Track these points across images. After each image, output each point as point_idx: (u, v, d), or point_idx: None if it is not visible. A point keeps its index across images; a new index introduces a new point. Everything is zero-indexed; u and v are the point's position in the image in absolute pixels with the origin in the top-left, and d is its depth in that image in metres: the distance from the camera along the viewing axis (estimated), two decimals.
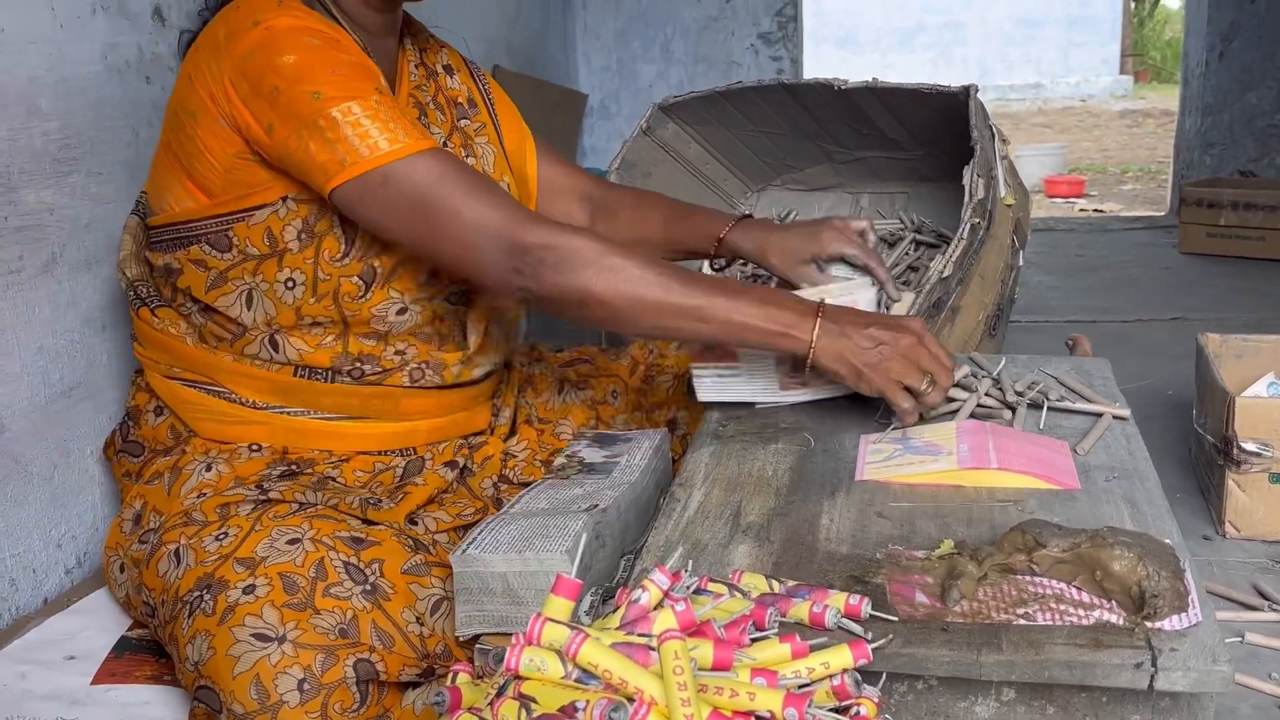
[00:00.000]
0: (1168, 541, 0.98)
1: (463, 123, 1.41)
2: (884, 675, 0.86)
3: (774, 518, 1.10)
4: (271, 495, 1.20)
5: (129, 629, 1.33)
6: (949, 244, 1.82)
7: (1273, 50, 4.13)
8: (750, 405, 1.35)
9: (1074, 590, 0.93)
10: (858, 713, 0.80)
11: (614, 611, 0.84)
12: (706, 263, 1.53)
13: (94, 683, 1.22)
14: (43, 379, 1.47)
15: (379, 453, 1.33)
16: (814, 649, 0.81)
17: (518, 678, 0.75)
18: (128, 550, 1.25)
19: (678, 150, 2.39)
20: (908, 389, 1.19)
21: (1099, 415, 1.29)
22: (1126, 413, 1.30)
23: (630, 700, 0.71)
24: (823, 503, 1.13)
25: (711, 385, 1.32)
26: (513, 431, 1.48)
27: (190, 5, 1.74)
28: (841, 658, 0.80)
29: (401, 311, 1.30)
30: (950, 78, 2.07)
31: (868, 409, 1.37)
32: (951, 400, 1.32)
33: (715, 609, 0.85)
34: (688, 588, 0.89)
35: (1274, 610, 1.32)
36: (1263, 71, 4.16)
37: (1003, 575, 0.95)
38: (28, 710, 1.16)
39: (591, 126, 4.33)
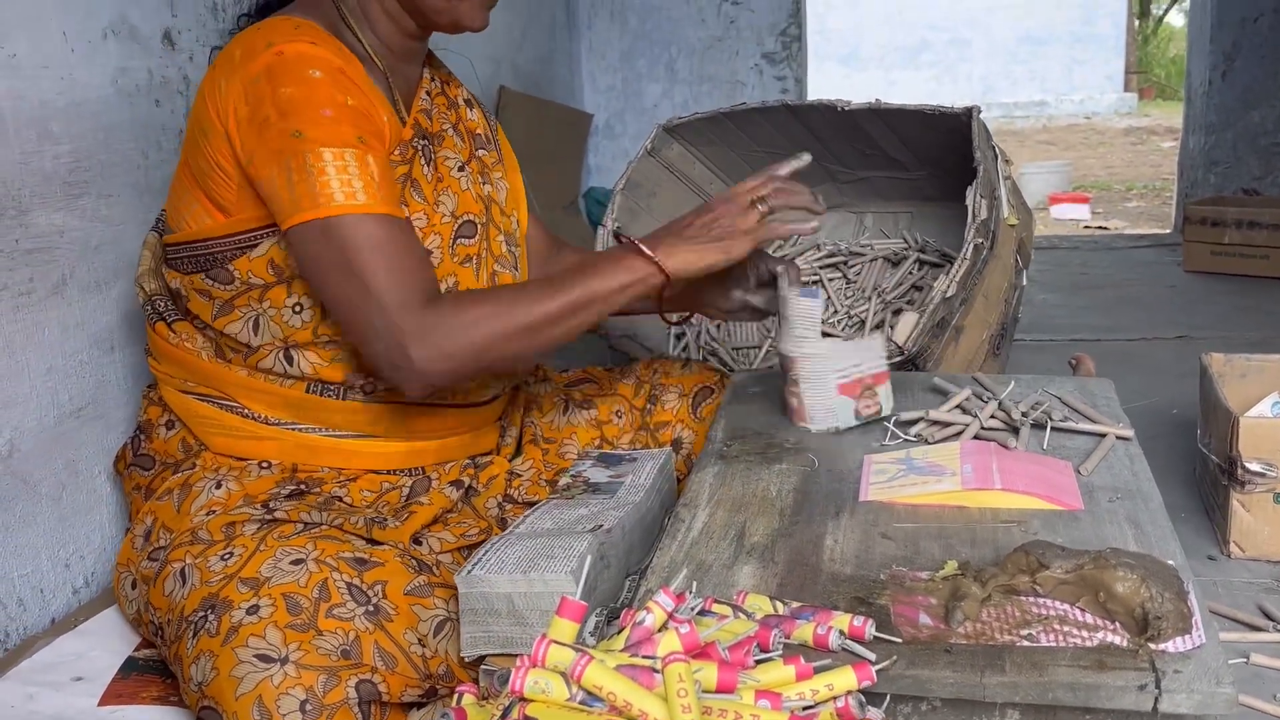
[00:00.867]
0: (1171, 563, 0.98)
1: (481, 152, 1.43)
2: (888, 697, 0.86)
3: (778, 538, 1.10)
4: (277, 515, 1.20)
5: (136, 649, 1.33)
6: (953, 264, 1.82)
7: (1276, 69, 4.13)
8: (759, 428, 1.35)
9: (1077, 612, 0.93)
10: None
11: (619, 633, 0.84)
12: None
13: (101, 704, 1.22)
14: (52, 400, 1.48)
15: (387, 472, 1.33)
16: (818, 671, 0.81)
17: (523, 700, 0.75)
18: (138, 566, 1.25)
19: (682, 170, 2.40)
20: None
21: (1102, 436, 1.29)
22: (1130, 433, 1.30)
23: None
24: (827, 523, 1.13)
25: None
26: (518, 451, 1.48)
27: (200, 30, 1.76)
28: (845, 679, 0.81)
29: None
30: (955, 95, 2.08)
31: (873, 429, 1.37)
32: (945, 423, 1.32)
33: (719, 630, 0.85)
34: (692, 609, 0.89)
35: (1279, 631, 1.32)
36: (1266, 90, 4.17)
37: (1006, 596, 0.95)
38: None
39: (596, 146, 4.34)
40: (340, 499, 1.29)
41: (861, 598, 0.98)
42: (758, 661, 0.83)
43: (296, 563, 1.12)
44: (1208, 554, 1.55)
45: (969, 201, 1.82)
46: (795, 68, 4.23)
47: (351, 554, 1.15)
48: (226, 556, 1.15)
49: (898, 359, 1.74)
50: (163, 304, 1.36)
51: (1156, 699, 0.83)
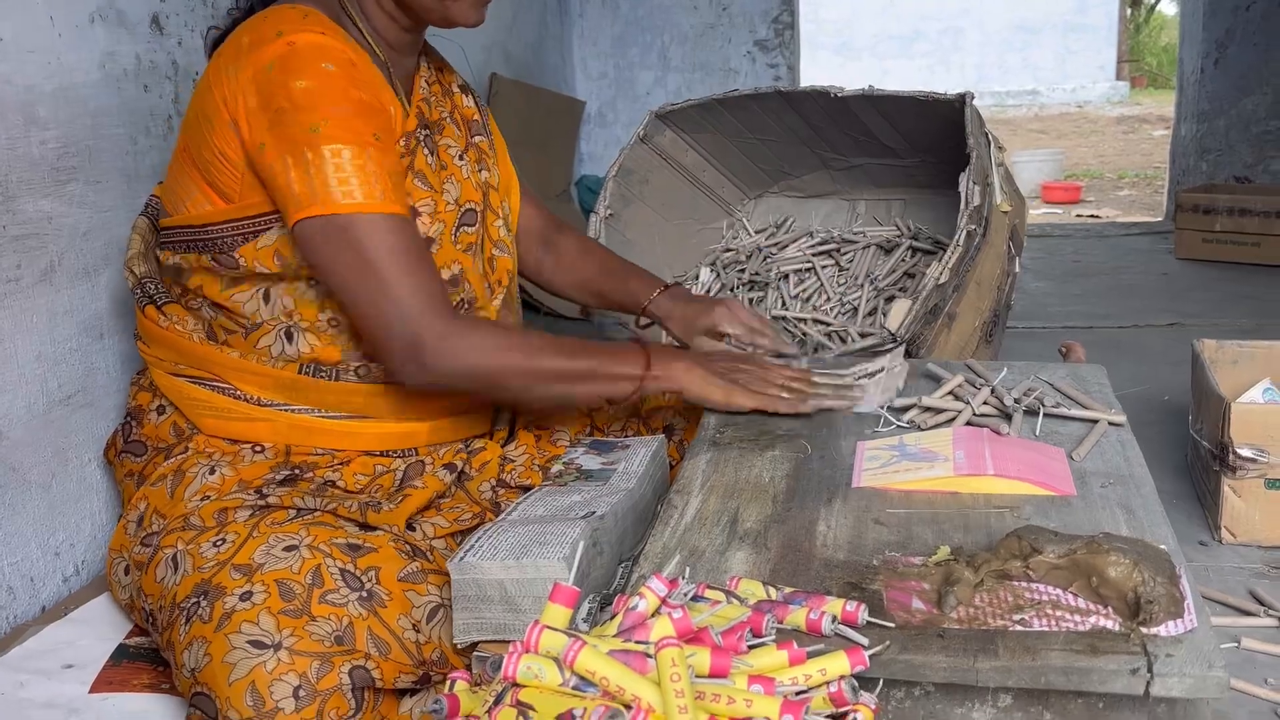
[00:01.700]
0: (1163, 547, 0.98)
1: (477, 139, 1.44)
2: (881, 682, 0.86)
3: (771, 524, 1.10)
4: (270, 501, 1.20)
5: (127, 637, 1.33)
6: (945, 251, 1.82)
7: (1268, 56, 4.14)
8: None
9: (1070, 596, 0.94)
10: None
11: (611, 619, 0.84)
12: (632, 321, 1.70)
13: (92, 691, 1.22)
14: (41, 387, 1.47)
15: (380, 454, 1.33)
16: (811, 656, 0.81)
17: (515, 685, 0.75)
18: (131, 552, 1.25)
19: (675, 158, 2.39)
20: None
21: (1095, 421, 1.29)
22: (1122, 419, 1.30)
23: (628, 708, 0.71)
24: (820, 509, 1.13)
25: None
26: (511, 436, 1.48)
27: (188, 15, 1.74)
28: (838, 664, 0.81)
29: None
30: (947, 84, 2.08)
31: (865, 416, 1.37)
32: (937, 409, 1.32)
33: (712, 616, 0.85)
34: (685, 595, 0.89)
35: (1270, 615, 1.32)
36: (1258, 77, 4.17)
37: (999, 581, 0.95)
38: (27, 719, 1.16)
39: (589, 134, 4.33)
40: (334, 484, 1.29)
41: (854, 583, 0.98)
42: (750, 647, 0.82)
43: (289, 549, 1.12)
44: (1199, 539, 1.56)
45: (962, 188, 1.82)
46: (788, 55, 4.22)
47: (345, 540, 1.15)
48: (219, 543, 1.15)
49: (890, 346, 1.74)
50: (153, 287, 1.36)
51: (1149, 682, 0.84)
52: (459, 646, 1.10)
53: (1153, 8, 15.43)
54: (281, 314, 1.28)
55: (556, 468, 1.39)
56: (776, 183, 2.52)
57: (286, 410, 1.30)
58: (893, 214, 2.41)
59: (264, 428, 1.30)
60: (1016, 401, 1.31)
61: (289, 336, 1.29)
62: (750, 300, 2.36)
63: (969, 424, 1.29)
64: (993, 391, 1.34)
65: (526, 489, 1.33)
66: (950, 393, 1.36)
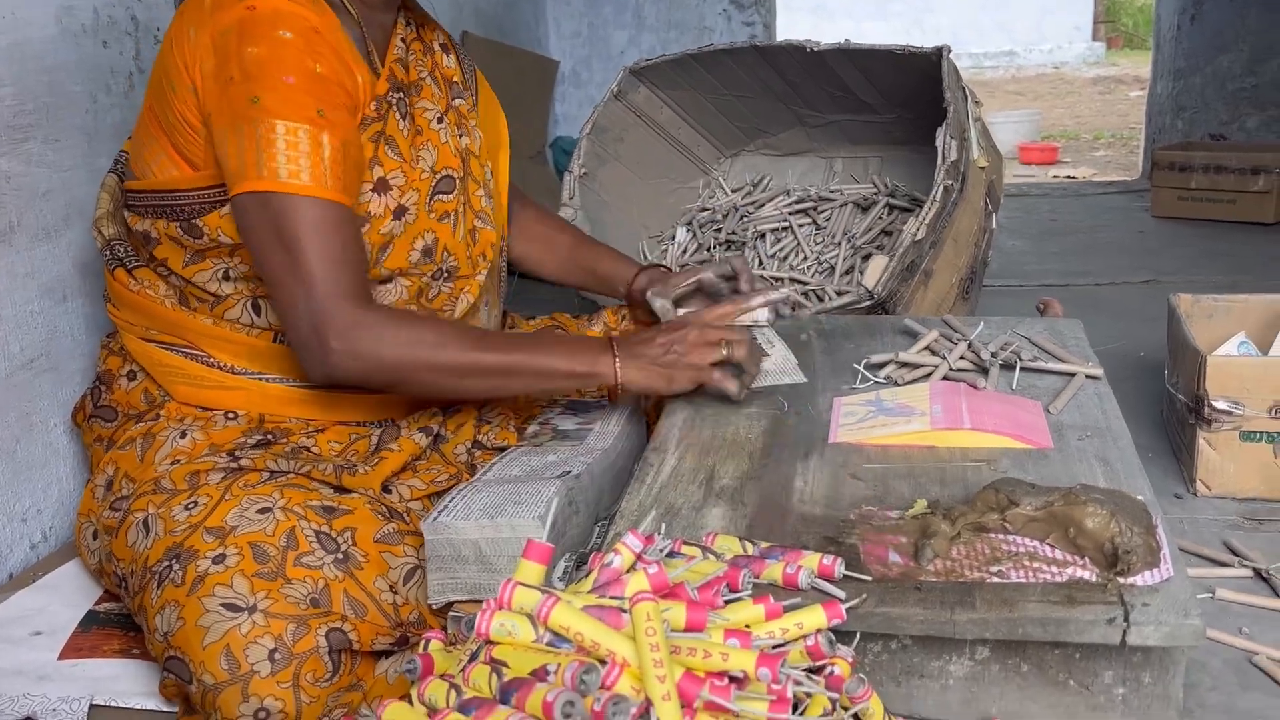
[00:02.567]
0: (1140, 498, 0.98)
1: (457, 101, 1.40)
2: (858, 635, 0.87)
3: (748, 481, 1.10)
4: (243, 463, 1.19)
5: (96, 603, 1.31)
6: (922, 207, 1.82)
7: (1244, 13, 4.13)
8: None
9: (1047, 548, 0.94)
10: (832, 673, 0.80)
11: (587, 576, 0.84)
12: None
13: (61, 657, 1.20)
14: (2, 350, 1.44)
15: (356, 423, 1.32)
16: (788, 610, 0.81)
17: (489, 643, 0.75)
18: (100, 517, 1.24)
19: (650, 115, 2.37)
20: (718, 367, 1.28)
21: (1072, 375, 1.29)
22: (1099, 372, 1.30)
23: (602, 663, 0.71)
24: (796, 465, 1.13)
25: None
26: (488, 400, 1.47)
27: None
28: (815, 618, 0.81)
29: (386, 281, 1.29)
30: (924, 45, 2.05)
31: (842, 372, 1.37)
32: (914, 365, 1.32)
33: (688, 571, 0.85)
34: (661, 551, 0.89)
35: (1244, 566, 1.33)
36: (1234, 34, 4.17)
37: (976, 534, 0.96)
38: None
39: (563, 94, 4.28)
40: (308, 449, 1.27)
41: (831, 537, 0.98)
42: (727, 602, 0.82)
43: (263, 511, 1.11)
44: (1174, 492, 1.56)
45: (939, 143, 1.81)
46: (764, 13, 4.18)
47: (319, 502, 1.14)
48: (191, 506, 1.13)
49: (867, 303, 1.74)
50: (122, 249, 1.33)
51: (1125, 631, 0.84)
52: (434, 607, 1.09)
53: None
54: (245, 288, 1.26)
55: (533, 428, 1.38)
56: (752, 141, 2.50)
57: (260, 379, 1.28)
58: (870, 171, 2.40)
59: (238, 396, 1.28)
60: (993, 356, 1.31)
61: (256, 308, 1.27)
62: None
63: (946, 379, 1.29)
64: (969, 346, 1.34)
65: (503, 450, 1.32)
66: (927, 348, 1.36)
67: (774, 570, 0.89)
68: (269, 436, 1.26)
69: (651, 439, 1.24)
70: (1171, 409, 1.70)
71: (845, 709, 0.79)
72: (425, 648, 0.82)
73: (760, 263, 2.29)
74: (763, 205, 2.41)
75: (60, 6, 1.53)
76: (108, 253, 1.34)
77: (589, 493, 1.19)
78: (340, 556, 1.10)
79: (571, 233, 1.66)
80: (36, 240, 1.49)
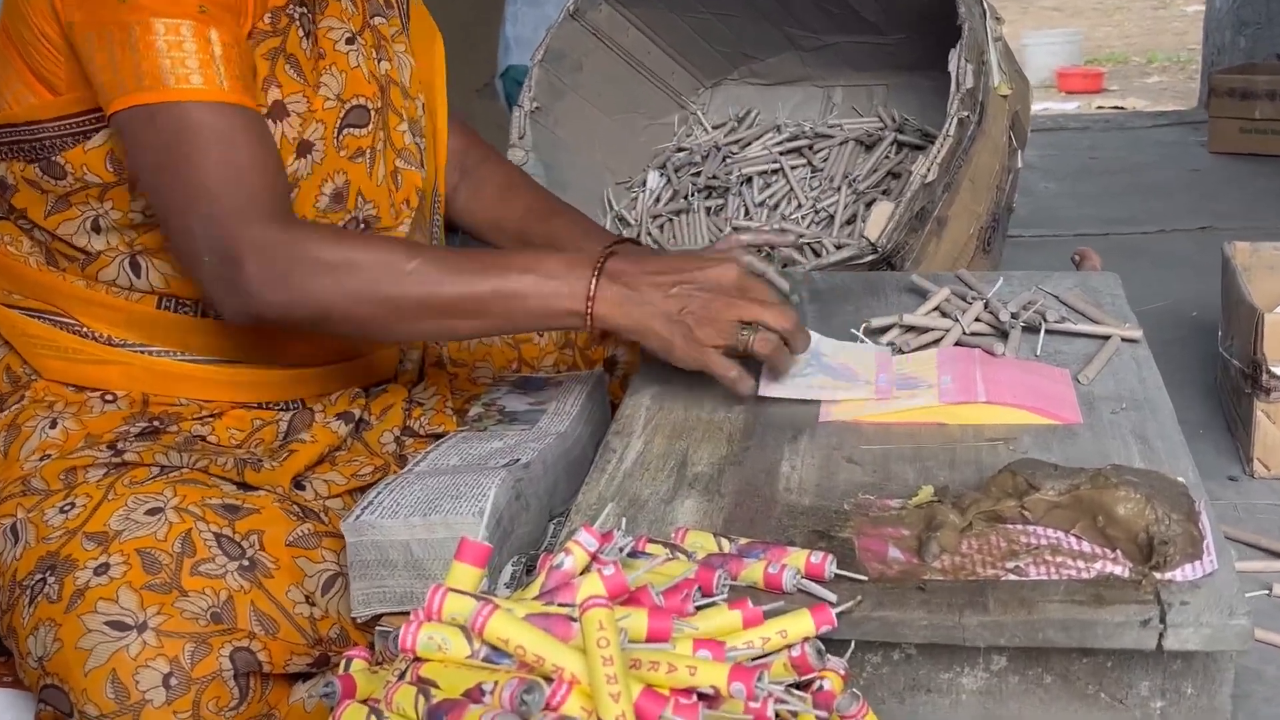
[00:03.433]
0: (1180, 480, 0.99)
1: (376, 20, 1.38)
2: (852, 644, 0.87)
3: (726, 467, 1.11)
4: (127, 457, 1.19)
5: None
6: (934, 144, 1.82)
7: None
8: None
9: (1072, 539, 0.95)
10: (821, 688, 0.81)
11: (534, 581, 0.84)
12: None
13: None
14: None
15: (258, 405, 1.32)
16: (769, 615, 0.82)
17: (417, 660, 0.75)
18: None
19: (613, 38, 2.36)
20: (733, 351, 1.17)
21: (1106, 338, 1.30)
22: (1138, 334, 1.32)
23: (548, 680, 0.71)
24: (783, 449, 1.14)
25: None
26: (420, 377, 1.47)
27: None
28: (801, 625, 0.81)
29: None
30: None
31: (838, 338, 1.37)
32: (922, 329, 1.33)
33: (652, 572, 0.85)
34: (620, 549, 0.89)
35: None
36: None
37: (990, 525, 0.97)
38: None
39: (516, 14, 4.25)
40: (203, 438, 1.27)
41: (822, 531, 0.99)
42: (698, 608, 0.83)
43: (153, 512, 1.11)
44: (1228, 474, 1.59)
45: (952, 67, 1.81)
46: None
47: (220, 500, 1.14)
48: (67, 508, 1.13)
49: (870, 257, 1.74)
50: None
51: (1161, 635, 0.85)
52: (359, 621, 1.10)
53: None
54: (120, 242, 1.25)
55: (475, 410, 1.39)
56: (736, 68, 2.49)
57: (143, 352, 1.27)
58: (874, 102, 2.40)
59: (116, 372, 1.27)
60: (1014, 317, 1.32)
61: (134, 267, 1.26)
62: (708, 210, 2.36)
63: (958, 344, 1.30)
64: (986, 306, 1.35)
65: (438, 437, 1.33)
66: (936, 309, 1.37)
67: (754, 570, 0.90)
68: (156, 424, 1.25)
69: (614, 420, 1.24)
70: (1225, 377, 1.72)
71: None
72: (346, 668, 0.83)
73: (746, 212, 2.30)
74: (749, 144, 2.41)
75: None
76: None
77: (541, 484, 1.20)
78: (246, 563, 1.10)
79: (528, 195, 1.60)
80: None
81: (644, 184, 2.42)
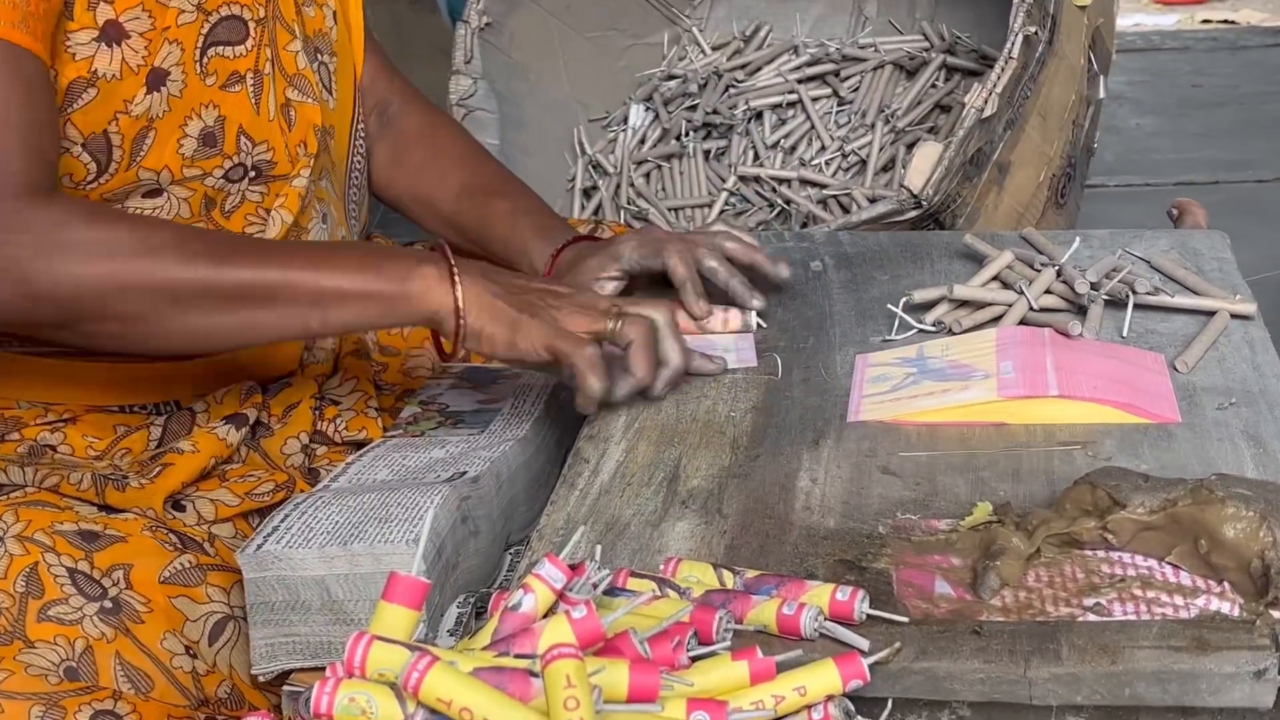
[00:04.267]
0: None
1: None
2: (889, 703, 0.87)
3: (729, 480, 1.12)
4: None
5: None
6: (992, 69, 1.82)
7: None
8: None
9: (1167, 569, 0.95)
10: None
11: (485, 625, 0.84)
12: None
13: None
14: None
15: (122, 409, 1.32)
16: (783, 668, 0.82)
17: None
18: None
19: None
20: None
21: (1211, 314, 1.30)
22: (1251, 308, 1.32)
23: None
24: (801, 456, 1.14)
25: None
26: (335, 369, 1.47)
27: None
28: (825, 679, 0.81)
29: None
30: None
31: (871, 316, 1.37)
32: (977, 304, 1.33)
33: (635, 614, 0.85)
34: (594, 585, 0.89)
35: None
36: None
37: (1064, 551, 0.97)
38: None
39: None
40: (52, 449, 1.27)
41: (850, 560, 0.99)
42: (694, 658, 0.83)
43: None
44: None
45: None
46: None
47: (75, 526, 1.14)
48: None
49: (912, 212, 1.75)
50: None
51: None
52: (261, 679, 1.10)
53: None
54: None
55: (409, 410, 1.39)
56: None
57: None
58: (916, 16, 2.41)
59: None
60: (1094, 287, 1.32)
61: None
62: (707, 154, 2.36)
63: (1023, 323, 1.30)
64: (1060, 274, 1.35)
65: (360, 445, 1.33)
66: (996, 278, 1.37)
67: (765, 610, 0.90)
68: None
69: (587, 422, 1.25)
70: None
71: None
72: None
73: (756, 155, 2.30)
74: (759, 70, 2.41)
75: None
76: None
77: (494, 504, 1.20)
78: (108, 605, 1.10)
79: (464, 166, 1.59)
80: None
81: (624, 121, 2.42)
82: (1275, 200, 2.82)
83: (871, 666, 0.84)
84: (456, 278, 1.20)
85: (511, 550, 1.24)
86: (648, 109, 2.42)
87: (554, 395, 1.38)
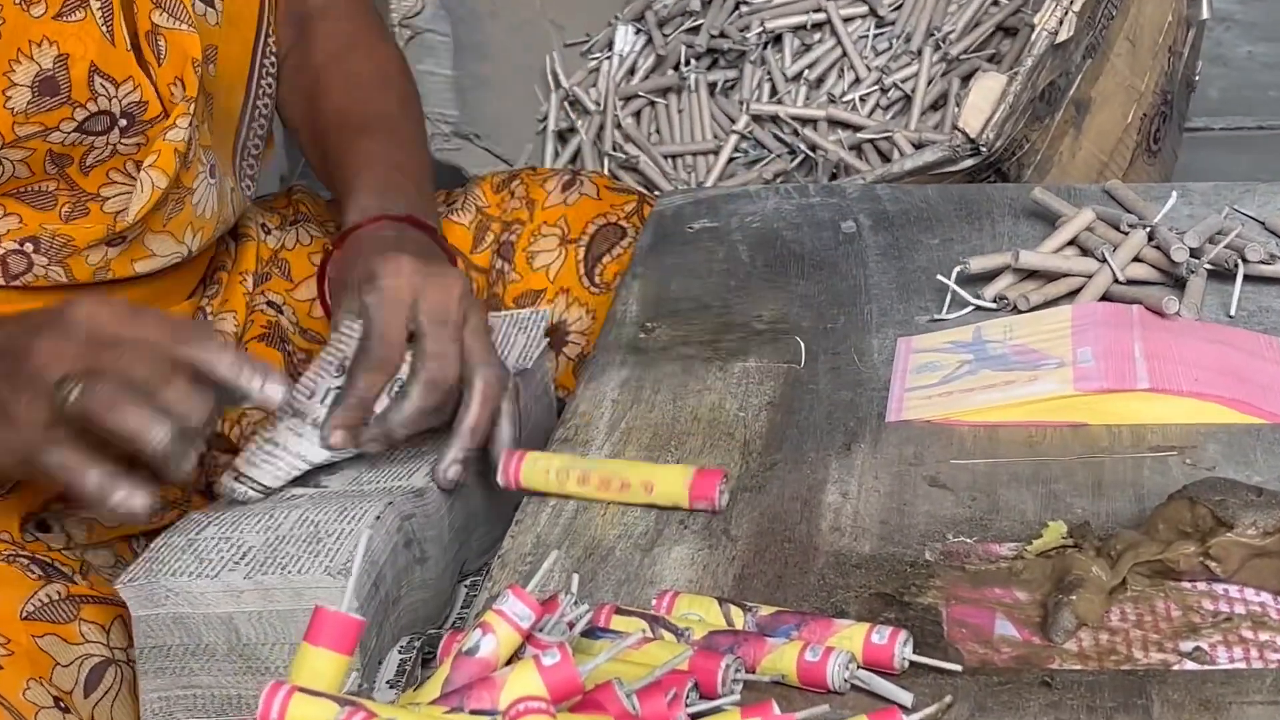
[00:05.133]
0: None
1: None
2: None
3: (739, 494, 1.12)
4: None
5: None
6: None
7: None
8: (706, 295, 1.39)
9: None
10: None
11: (434, 674, 0.85)
12: None
13: None
14: None
15: None
16: None
17: None
18: None
19: None
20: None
21: None
22: None
23: None
24: (829, 464, 1.15)
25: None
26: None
27: None
28: None
29: None
30: None
31: (916, 290, 1.38)
32: (1048, 275, 1.33)
33: (621, 659, 0.86)
34: (570, 624, 0.90)
35: None
36: None
37: (1156, 583, 0.97)
38: None
39: None
40: None
41: (890, 594, 0.99)
42: (694, 715, 0.83)
43: None
44: None
45: None
46: None
47: None
48: None
49: (969, 161, 1.75)
50: None
51: None
52: None
53: None
54: None
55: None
56: None
57: None
58: None
59: None
60: (1195, 255, 1.33)
61: None
62: (712, 87, 2.36)
63: (1106, 298, 1.31)
64: (1152, 237, 1.35)
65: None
66: (1072, 241, 1.37)
67: (784, 656, 0.90)
68: None
69: (562, 420, 1.25)
70: None
71: None
72: None
73: (773, 90, 2.30)
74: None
75: None
76: None
77: (444, 523, 1.21)
78: None
79: (354, 91, 1.59)
80: None
81: (609, 46, 2.43)
82: None
83: None
84: None
85: (467, 581, 1.24)
86: (638, 31, 2.42)
87: (522, 388, 1.38)
